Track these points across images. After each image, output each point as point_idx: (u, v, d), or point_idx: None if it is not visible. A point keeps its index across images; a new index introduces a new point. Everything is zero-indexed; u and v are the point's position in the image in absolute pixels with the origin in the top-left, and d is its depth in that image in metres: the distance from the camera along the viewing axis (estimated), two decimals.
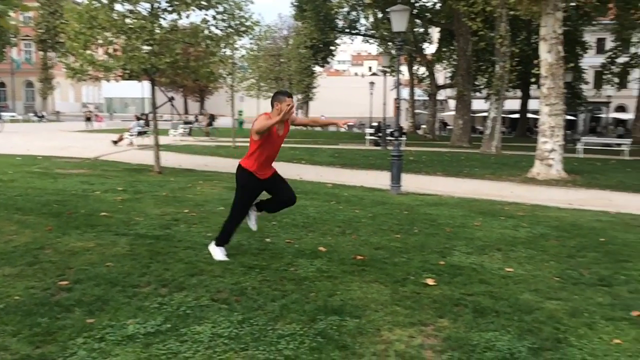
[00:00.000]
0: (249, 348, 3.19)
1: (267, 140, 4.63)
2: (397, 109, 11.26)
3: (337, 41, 41.75)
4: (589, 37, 40.07)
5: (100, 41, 11.82)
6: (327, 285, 4.39)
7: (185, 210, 7.55)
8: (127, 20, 11.67)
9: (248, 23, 12.68)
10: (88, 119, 37.00)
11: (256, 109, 31.15)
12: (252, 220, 5.04)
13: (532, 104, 36.74)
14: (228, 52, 16.14)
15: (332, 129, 41.77)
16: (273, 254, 5.26)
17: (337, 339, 3.35)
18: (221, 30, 12.57)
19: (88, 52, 11.67)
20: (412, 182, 12.20)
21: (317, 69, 45.68)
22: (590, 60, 41.57)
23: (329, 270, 4.78)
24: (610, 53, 36.53)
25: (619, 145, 24.25)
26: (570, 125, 51.71)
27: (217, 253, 4.98)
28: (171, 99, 37.08)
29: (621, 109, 54.03)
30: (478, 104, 35.69)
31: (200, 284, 4.29)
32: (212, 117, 32.35)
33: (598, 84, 40.96)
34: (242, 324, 3.53)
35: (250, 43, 22.89)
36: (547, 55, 13.63)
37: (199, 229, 6.33)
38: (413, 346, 3.30)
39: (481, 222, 7.51)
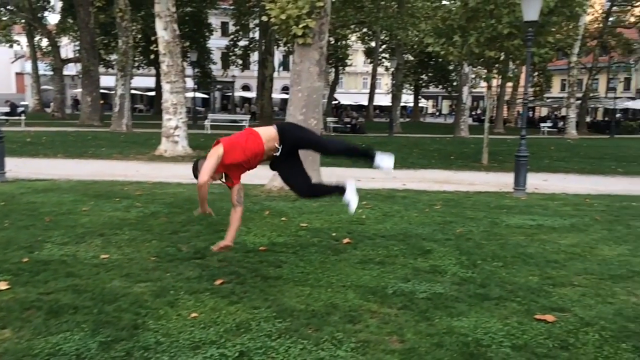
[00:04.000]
0: None
1: None
2: None
3: None
4: (215, 20, 42.82)
5: None
6: None
7: None
8: None
9: None
10: None
11: None
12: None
13: None
14: None
15: None
16: None
17: None
18: None
19: None
20: (26, 167, 10.92)
21: None
22: (217, 42, 44.58)
23: None
24: (232, 36, 39.69)
25: (241, 121, 26.73)
26: (204, 103, 55.02)
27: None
28: None
29: (246, 88, 60.06)
30: (113, 81, 34.21)
31: None
32: None
33: (225, 64, 44.13)
34: None
35: None
36: (164, 32, 13.74)
37: None
38: None
39: (91, 207, 6.99)
